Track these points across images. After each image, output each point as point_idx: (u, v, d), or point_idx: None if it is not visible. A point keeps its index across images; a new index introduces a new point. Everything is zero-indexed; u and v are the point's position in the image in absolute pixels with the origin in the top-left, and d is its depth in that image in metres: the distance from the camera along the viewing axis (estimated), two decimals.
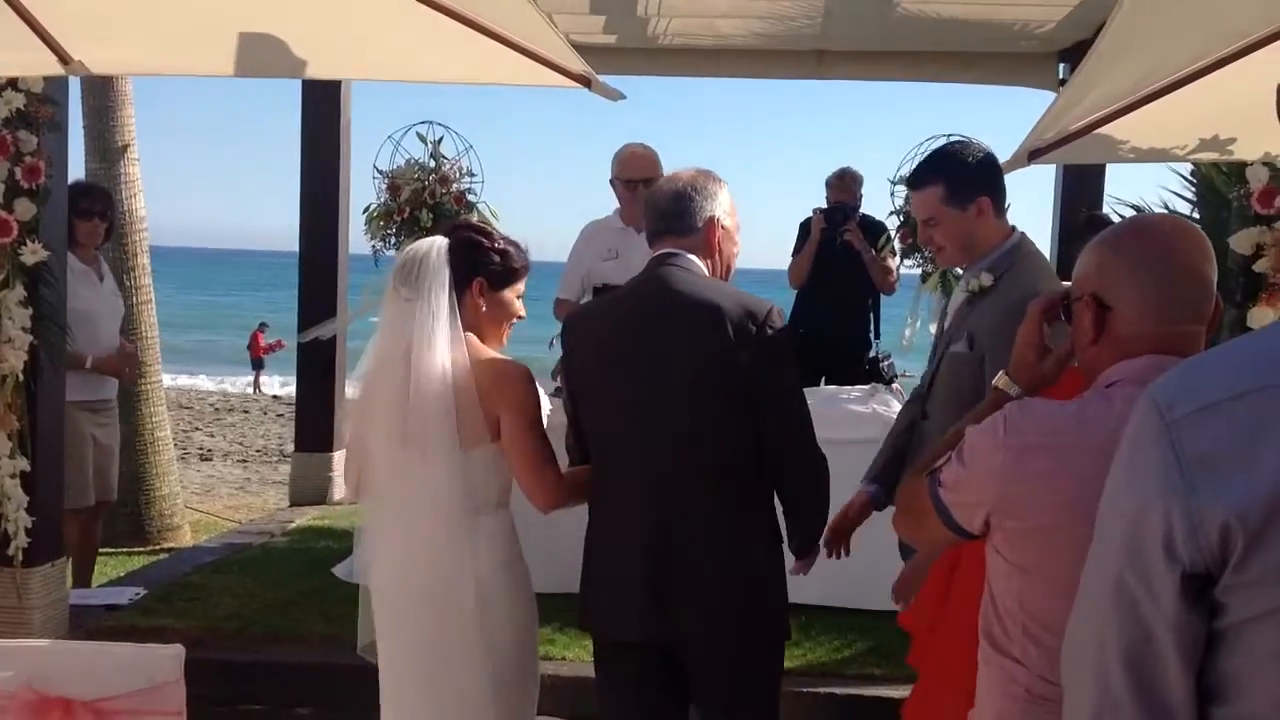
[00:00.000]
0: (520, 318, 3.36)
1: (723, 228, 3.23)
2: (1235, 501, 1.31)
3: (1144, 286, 2.04)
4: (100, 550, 6.65)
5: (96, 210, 6.00)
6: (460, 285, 3.18)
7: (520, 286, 3.33)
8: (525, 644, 3.25)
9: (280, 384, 25.40)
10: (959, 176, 3.46)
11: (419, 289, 3.11)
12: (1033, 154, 4.39)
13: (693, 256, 3.16)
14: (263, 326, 28.72)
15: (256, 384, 26.94)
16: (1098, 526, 1.49)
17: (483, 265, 3.23)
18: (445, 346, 3.09)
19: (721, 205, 3.23)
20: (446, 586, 3.12)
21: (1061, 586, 1.99)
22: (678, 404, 3.03)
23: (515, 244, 3.32)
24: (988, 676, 2.15)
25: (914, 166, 3.68)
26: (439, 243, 3.18)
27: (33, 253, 4.73)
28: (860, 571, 5.19)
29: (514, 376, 3.17)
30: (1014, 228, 3.55)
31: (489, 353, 3.22)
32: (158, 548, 7.96)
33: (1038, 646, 2.06)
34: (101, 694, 3.06)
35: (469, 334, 3.18)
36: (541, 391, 3.28)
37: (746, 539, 3.09)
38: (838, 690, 4.76)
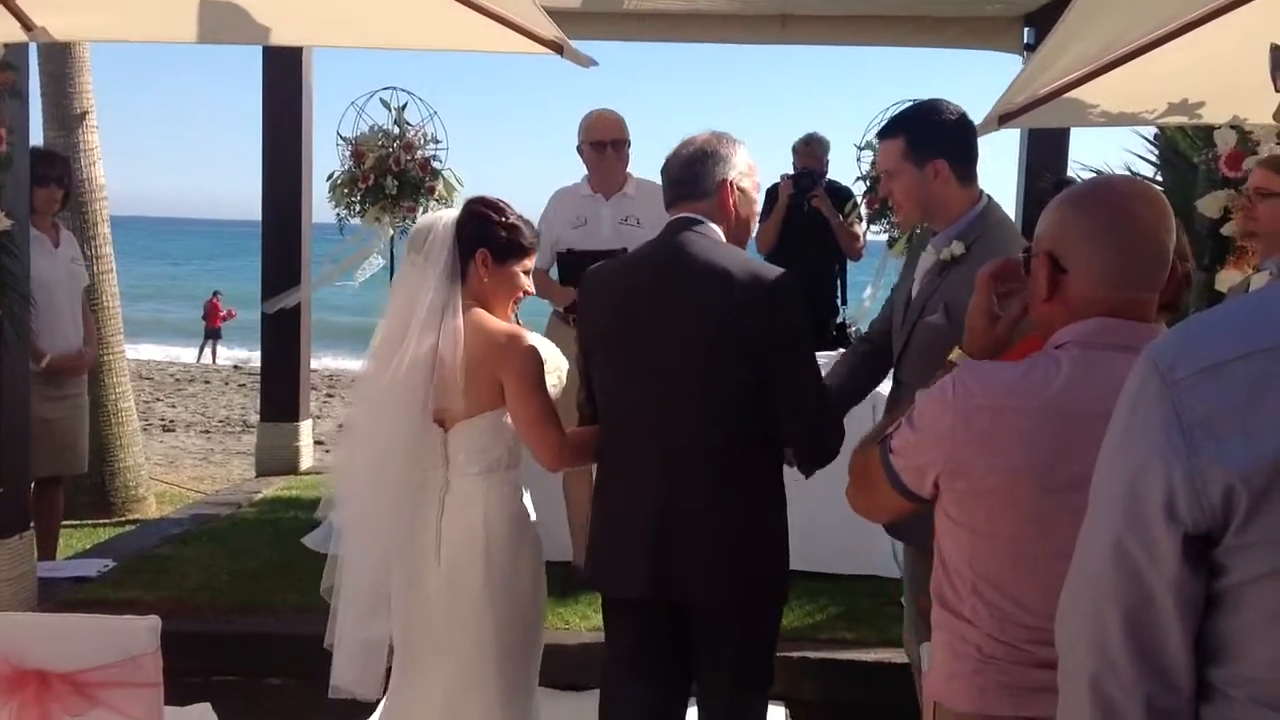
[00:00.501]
0: (527, 293, 3.45)
1: (739, 190, 3.22)
2: (1239, 463, 1.32)
3: (1101, 251, 2.05)
4: (65, 523, 6.58)
5: (54, 176, 5.89)
6: (465, 257, 3.30)
7: (528, 263, 3.40)
8: (530, 602, 3.36)
9: (235, 354, 25.21)
10: (920, 134, 3.43)
11: (426, 257, 3.26)
12: (1003, 118, 4.40)
13: (708, 221, 3.16)
14: (217, 295, 28.32)
15: (214, 354, 26.66)
16: (1093, 489, 1.49)
17: (488, 238, 3.32)
18: (440, 314, 3.20)
19: (736, 167, 3.23)
20: (453, 544, 3.28)
21: (1008, 547, 2.04)
22: (689, 368, 3.05)
23: (526, 221, 3.40)
24: (939, 638, 2.18)
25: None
26: (449, 214, 3.33)
27: None
28: (831, 536, 5.25)
29: (512, 343, 3.25)
30: (982, 193, 3.52)
31: (490, 321, 3.29)
32: (123, 519, 7.88)
33: (986, 606, 2.08)
34: (78, 666, 3.03)
35: (475, 304, 3.29)
36: (556, 350, 3.41)
37: (753, 501, 3.14)
38: (810, 654, 4.79)
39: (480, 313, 3.30)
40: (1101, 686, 1.47)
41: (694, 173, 3.19)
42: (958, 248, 3.38)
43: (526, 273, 3.41)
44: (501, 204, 3.41)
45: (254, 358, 22.65)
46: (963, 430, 2.03)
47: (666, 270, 3.11)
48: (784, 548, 3.22)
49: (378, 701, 4.50)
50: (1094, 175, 7.89)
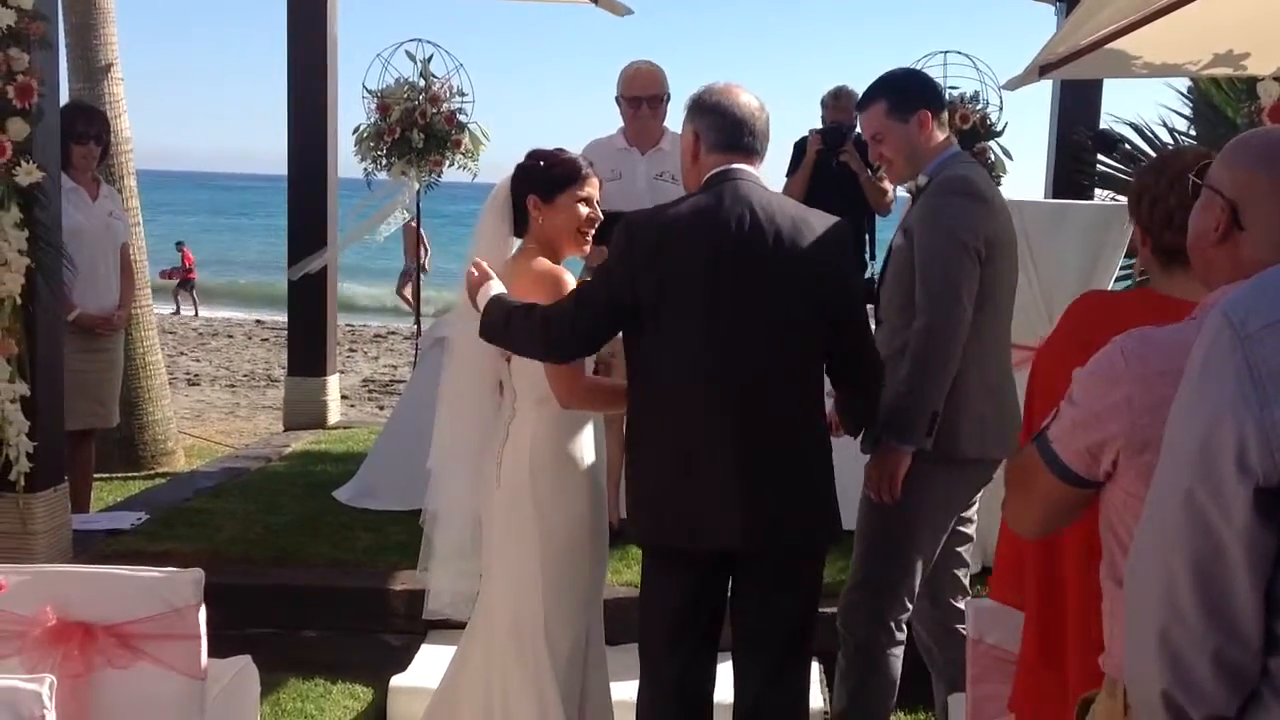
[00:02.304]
0: (592, 220, 3.53)
1: None
2: None
3: None
4: (95, 476, 6.62)
5: (92, 134, 5.88)
6: (520, 207, 3.50)
7: (581, 191, 3.49)
8: (579, 535, 3.49)
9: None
10: (899, 90, 3.69)
11: (492, 211, 3.54)
12: (1044, 69, 4.37)
13: (760, 174, 3.24)
14: (182, 245, 27.61)
15: (195, 305, 25.97)
16: (1165, 441, 1.48)
17: (533, 180, 3.48)
18: (501, 262, 3.48)
19: None
20: (508, 468, 3.49)
21: None
22: (766, 317, 3.10)
23: (567, 153, 3.55)
24: (1123, 618, 2.02)
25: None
26: (504, 179, 3.54)
27: (27, 173, 4.64)
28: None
29: (542, 280, 3.39)
30: (954, 140, 3.79)
31: (531, 263, 3.45)
32: (153, 472, 7.92)
33: None
34: (122, 618, 3.06)
35: (538, 248, 3.47)
36: None
37: (822, 451, 3.23)
38: None
39: (526, 256, 3.48)
40: (1169, 637, 1.46)
41: (761, 131, 3.26)
42: (923, 179, 3.66)
43: (584, 201, 3.49)
44: (546, 150, 3.55)
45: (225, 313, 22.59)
46: (1142, 399, 1.91)
47: (743, 221, 3.10)
48: (836, 496, 3.28)
49: (416, 653, 4.55)
50: (1129, 131, 7.83)
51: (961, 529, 3.79)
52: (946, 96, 7.10)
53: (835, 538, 3.32)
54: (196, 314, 24.66)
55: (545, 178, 3.47)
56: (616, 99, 5.46)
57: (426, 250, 20.98)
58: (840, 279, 3.18)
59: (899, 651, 3.73)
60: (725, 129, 3.21)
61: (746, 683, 3.32)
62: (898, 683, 3.74)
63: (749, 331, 3.09)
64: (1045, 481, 2.08)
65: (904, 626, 3.72)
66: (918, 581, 3.68)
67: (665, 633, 3.28)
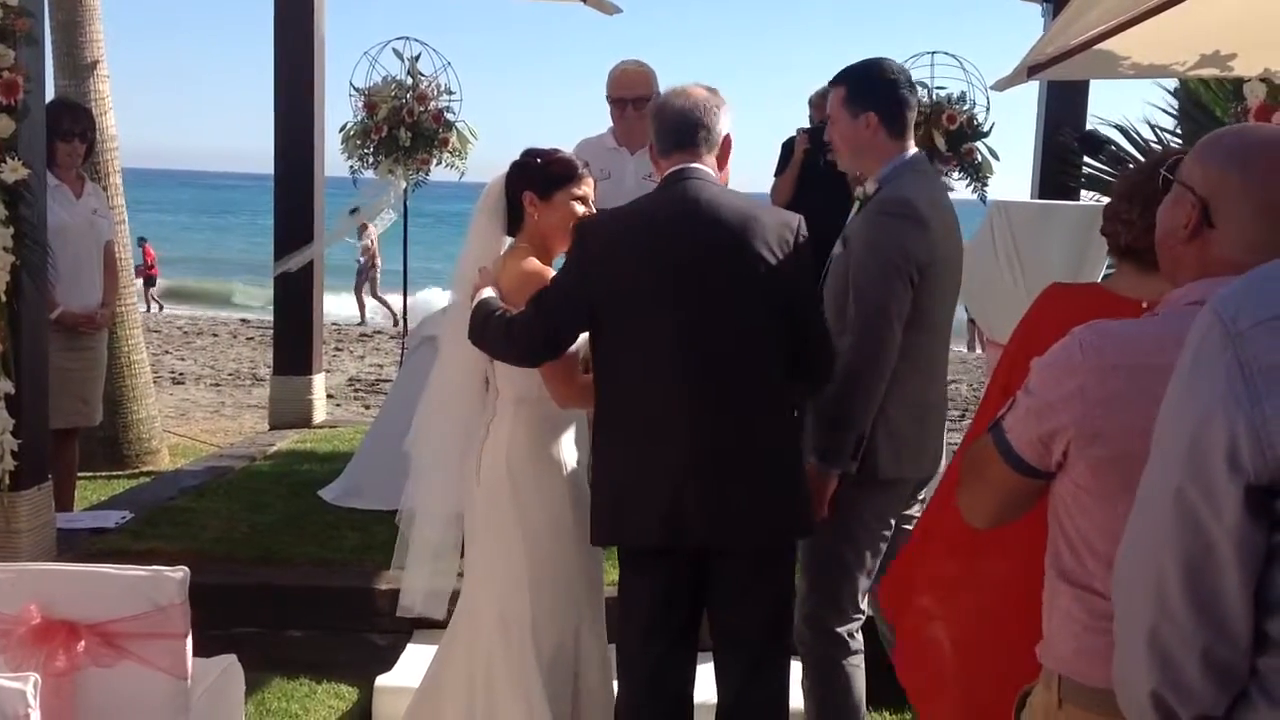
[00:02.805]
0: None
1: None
2: None
3: (1259, 225, 1.88)
4: (79, 474, 6.59)
5: (77, 131, 5.86)
6: (516, 205, 3.52)
7: (577, 190, 3.52)
8: (557, 525, 3.49)
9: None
10: (859, 86, 3.64)
11: (483, 210, 3.57)
12: (1032, 69, 4.38)
13: (710, 170, 3.26)
14: (142, 241, 27.34)
15: (157, 302, 25.87)
16: (1155, 439, 1.47)
17: (528, 178, 3.51)
18: (477, 259, 3.53)
19: (729, 121, 3.34)
20: (487, 465, 3.50)
21: None
22: (723, 314, 3.12)
23: (563, 152, 3.59)
24: (1060, 610, 2.05)
25: None
26: (497, 178, 3.57)
27: (13, 170, 4.62)
28: None
29: (529, 279, 3.39)
30: (911, 148, 3.68)
31: (520, 263, 3.46)
32: (137, 471, 7.89)
33: None
34: (107, 616, 3.04)
35: (530, 247, 3.49)
36: None
37: (782, 444, 3.24)
38: None
39: (517, 255, 3.50)
40: (1158, 636, 1.46)
41: (710, 123, 3.26)
42: (871, 187, 3.66)
43: (580, 200, 3.51)
44: (542, 149, 3.58)
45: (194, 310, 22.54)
46: (1095, 391, 1.92)
47: (694, 221, 3.15)
48: (805, 485, 3.30)
49: (401, 652, 4.54)
50: (1114, 133, 7.85)
51: (907, 526, 3.77)
52: (920, 100, 7.12)
53: (804, 533, 3.36)
54: (161, 309, 24.57)
55: (543, 175, 3.50)
56: (607, 97, 5.45)
57: (373, 243, 21.05)
58: (788, 273, 3.16)
59: (857, 660, 3.71)
60: (666, 132, 3.28)
61: (727, 679, 3.34)
62: (863, 689, 3.73)
63: (700, 329, 3.12)
64: (998, 471, 2.09)
65: (856, 634, 3.72)
66: (860, 591, 3.68)
67: (639, 631, 3.31)
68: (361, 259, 21.85)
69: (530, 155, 3.56)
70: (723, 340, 3.12)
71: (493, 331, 3.26)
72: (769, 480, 3.19)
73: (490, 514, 3.51)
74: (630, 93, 5.34)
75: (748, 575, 3.25)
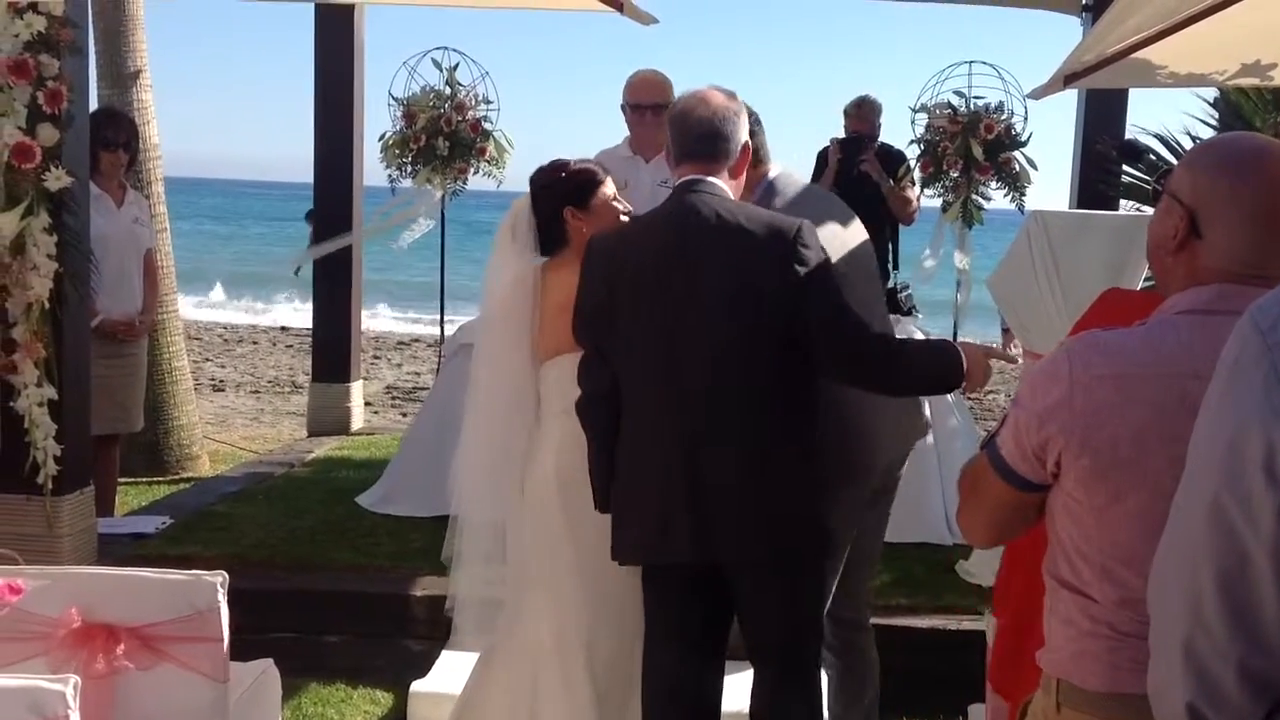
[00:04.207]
0: (627, 212, 3.58)
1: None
2: None
3: (1249, 234, 1.91)
4: (120, 480, 6.65)
5: (120, 141, 5.92)
6: (554, 222, 3.52)
7: (606, 189, 3.56)
8: (609, 537, 3.37)
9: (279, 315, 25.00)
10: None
11: (516, 238, 3.58)
12: (1069, 78, 4.36)
13: (720, 182, 3.19)
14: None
15: None
16: (1191, 450, 1.47)
17: (563, 194, 3.52)
18: (510, 284, 3.57)
19: (747, 127, 3.29)
20: (536, 477, 3.51)
21: (1138, 522, 1.93)
22: (712, 328, 3.07)
23: (573, 161, 3.63)
24: (1057, 615, 2.07)
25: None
26: (523, 201, 3.58)
27: (56, 179, 4.66)
28: None
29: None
30: (767, 172, 3.55)
31: (565, 276, 3.42)
32: (177, 477, 7.96)
33: (1117, 585, 1.99)
34: (146, 620, 3.07)
35: (570, 256, 3.48)
36: None
37: (793, 453, 3.13)
38: None
39: (567, 266, 3.46)
40: (1194, 648, 1.45)
41: (729, 132, 3.20)
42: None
43: (613, 197, 3.55)
44: (554, 162, 3.60)
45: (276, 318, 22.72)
46: (1082, 401, 1.93)
47: (691, 230, 3.11)
48: (812, 497, 3.17)
49: (436, 658, 4.56)
50: (1155, 142, 7.81)
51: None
52: (958, 109, 7.12)
53: (816, 550, 3.25)
54: None
55: (574, 186, 3.52)
56: (622, 106, 5.47)
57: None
58: (784, 280, 3.04)
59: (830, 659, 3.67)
60: (680, 140, 3.23)
61: (757, 690, 3.30)
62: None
63: (696, 341, 3.08)
64: (994, 487, 2.09)
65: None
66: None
67: (658, 640, 3.28)
68: None
69: (551, 173, 3.57)
70: (713, 353, 3.07)
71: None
72: (769, 496, 3.10)
73: (539, 529, 3.50)
74: (649, 99, 5.35)
75: (759, 593, 3.19)
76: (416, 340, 18.70)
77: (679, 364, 3.09)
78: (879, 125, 7.50)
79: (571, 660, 3.45)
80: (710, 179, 3.17)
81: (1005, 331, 8.98)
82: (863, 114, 7.47)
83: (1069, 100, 7.61)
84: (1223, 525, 1.40)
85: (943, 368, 3.23)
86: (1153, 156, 7.50)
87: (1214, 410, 1.44)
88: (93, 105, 5.82)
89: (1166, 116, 13.84)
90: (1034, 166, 7.19)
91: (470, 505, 3.66)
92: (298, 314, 21.32)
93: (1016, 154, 7.19)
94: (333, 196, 8.16)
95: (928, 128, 7.29)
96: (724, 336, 3.07)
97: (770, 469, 3.11)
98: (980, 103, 7.20)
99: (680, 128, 3.25)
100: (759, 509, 3.10)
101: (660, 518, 3.14)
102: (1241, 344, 1.40)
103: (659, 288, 3.12)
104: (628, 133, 5.51)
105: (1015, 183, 7.20)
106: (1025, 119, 7.16)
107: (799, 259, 3.06)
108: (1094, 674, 1.99)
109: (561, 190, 3.53)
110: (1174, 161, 7.30)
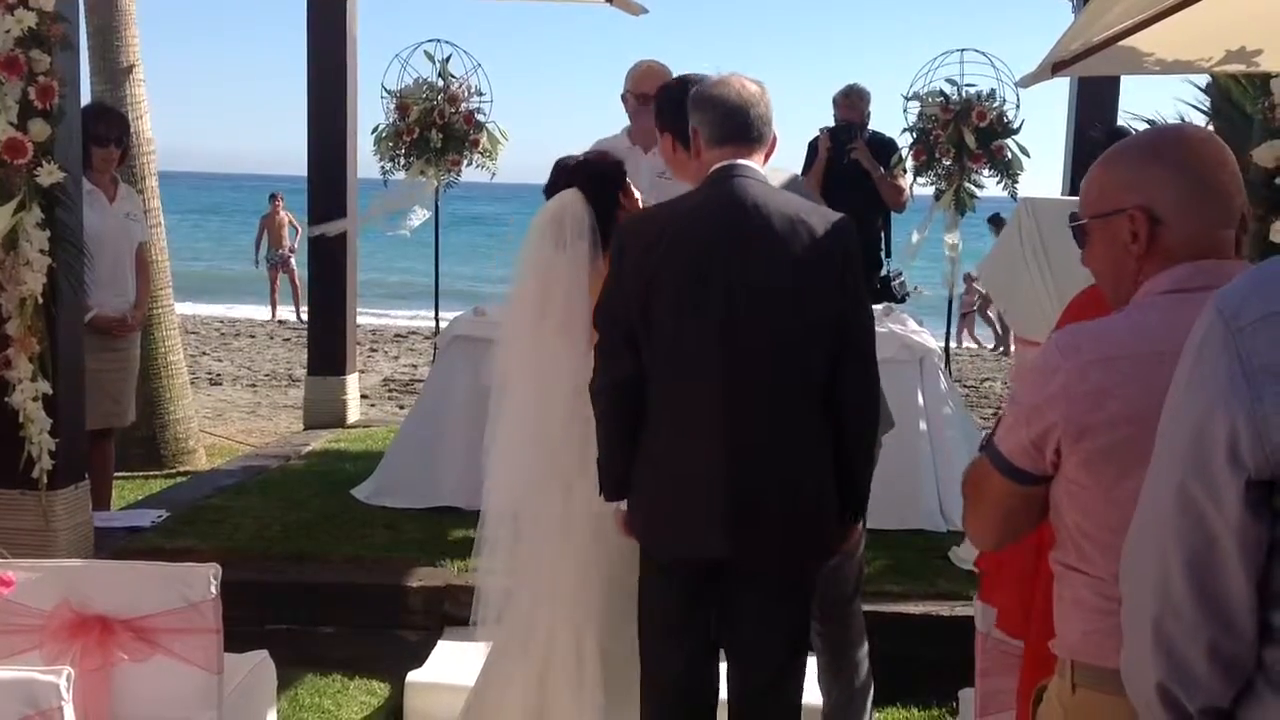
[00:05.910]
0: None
1: None
2: None
3: (1195, 195, 1.99)
4: (116, 475, 6.67)
5: (112, 136, 5.92)
6: (613, 211, 3.56)
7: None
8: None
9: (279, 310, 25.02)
10: (660, 104, 3.55)
11: (568, 242, 3.53)
12: (1056, 66, 4.36)
13: (759, 167, 3.13)
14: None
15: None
16: (1159, 435, 1.49)
17: (613, 180, 3.62)
18: (568, 290, 3.54)
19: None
20: (569, 468, 3.50)
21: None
22: (776, 320, 3.00)
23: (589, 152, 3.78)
24: (1067, 597, 2.08)
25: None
26: (568, 200, 3.56)
27: (49, 174, 4.68)
28: (878, 490, 5.25)
29: None
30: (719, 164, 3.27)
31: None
32: (174, 471, 7.98)
33: None
34: (139, 612, 3.10)
35: None
36: None
37: (822, 456, 3.09)
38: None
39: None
40: (1164, 629, 1.48)
41: (763, 119, 3.14)
42: None
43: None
44: (586, 155, 3.74)
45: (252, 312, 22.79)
46: (1077, 387, 1.95)
47: (744, 223, 3.02)
48: (834, 495, 3.16)
49: (432, 649, 4.57)
50: (1151, 126, 7.81)
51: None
52: (950, 97, 7.12)
53: (824, 556, 3.25)
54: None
55: (619, 172, 3.63)
56: (623, 95, 5.47)
57: (297, 232, 20.54)
58: (836, 282, 3.02)
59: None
60: (721, 122, 3.12)
61: (743, 687, 3.23)
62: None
63: (739, 336, 2.99)
64: (996, 485, 2.12)
65: None
66: None
67: (661, 634, 3.23)
68: (273, 250, 21.44)
69: (592, 164, 3.65)
70: (756, 348, 3.00)
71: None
72: (808, 498, 3.07)
73: (569, 534, 3.49)
74: (653, 87, 5.35)
75: (770, 592, 3.15)
76: (414, 333, 18.71)
77: (735, 357, 3.00)
78: (868, 113, 7.49)
79: (589, 670, 3.45)
80: (750, 164, 3.10)
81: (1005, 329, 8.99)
82: (851, 102, 7.45)
83: (1061, 87, 7.62)
84: (1190, 509, 1.42)
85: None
86: None
87: (1180, 395, 1.47)
88: (85, 100, 5.82)
89: (1161, 103, 13.88)
90: (1026, 154, 7.20)
91: (501, 496, 3.62)
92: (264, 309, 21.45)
93: (1009, 141, 7.20)
94: (327, 190, 8.15)
95: (920, 115, 7.30)
96: (786, 330, 3.00)
97: (816, 469, 3.08)
98: (972, 90, 7.21)
99: (723, 109, 3.14)
100: (803, 511, 3.07)
101: (702, 513, 3.06)
102: (1206, 330, 1.43)
103: (712, 278, 3.00)
104: (626, 124, 5.51)
105: (1008, 170, 7.21)
106: (1017, 106, 7.18)
107: (850, 265, 3.05)
108: (1107, 650, 1.99)
109: (613, 177, 3.60)
110: None
